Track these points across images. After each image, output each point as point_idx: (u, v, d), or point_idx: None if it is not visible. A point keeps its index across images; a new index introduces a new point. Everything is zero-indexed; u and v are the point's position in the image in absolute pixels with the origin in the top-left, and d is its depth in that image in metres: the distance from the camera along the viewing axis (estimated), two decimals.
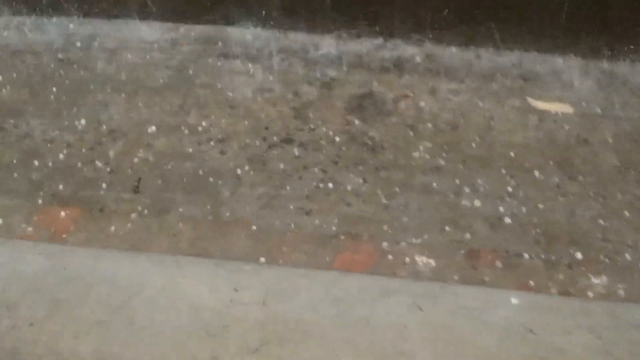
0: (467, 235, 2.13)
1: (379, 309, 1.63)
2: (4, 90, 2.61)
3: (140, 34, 2.84)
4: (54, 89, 2.61)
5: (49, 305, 1.70)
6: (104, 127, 2.47)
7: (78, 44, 2.81)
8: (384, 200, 2.24)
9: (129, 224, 2.10)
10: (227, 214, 2.17)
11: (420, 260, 2.00)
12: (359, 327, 1.61)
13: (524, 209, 2.21)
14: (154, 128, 2.47)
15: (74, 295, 1.66)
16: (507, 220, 2.18)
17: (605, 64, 2.69)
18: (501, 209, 2.21)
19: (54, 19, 2.90)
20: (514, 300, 1.67)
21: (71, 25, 2.89)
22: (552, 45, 2.70)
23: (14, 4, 2.88)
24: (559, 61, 2.70)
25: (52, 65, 2.71)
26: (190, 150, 2.39)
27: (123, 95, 2.59)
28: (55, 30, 2.88)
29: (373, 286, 1.67)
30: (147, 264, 1.75)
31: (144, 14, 2.85)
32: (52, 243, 1.90)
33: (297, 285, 1.69)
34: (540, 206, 2.23)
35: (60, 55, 2.76)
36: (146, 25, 2.85)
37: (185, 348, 1.59)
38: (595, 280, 1.95)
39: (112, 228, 2.09)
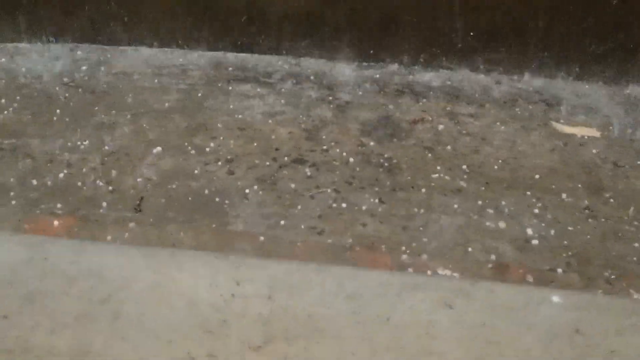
0: (493, 257, 1.97)
1: (402, 306, 1.46)
2: (5, 113, 2.50)
3: (149, 60, 2.76)
4: (58, 111, 2.50)
5: (25, 297, 1.53)
6: (107, 147, 2.35)
7: (84, 68, 2.73)
8: (402, 221, 2.09)
9: (127, 234, 1.96)
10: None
11: (444, 273, 1.84)
12: (378, 325, 1.42)
13: (552, 231, 2.05)
14: (159, 149, 2.35)
15: (53, 287, 1.49)
16: (535, 242, 2.02)
17: (630, 90, 2.59)
18: (528, 230, 2.05)
19: (62, 45, 2.84)
20: (555, 299, 1.50)
21: (79, 52, 2.81)
22: (575, 71, 2.61)
23: (21, 30, 2.83)
24: (583, 87, 2.60)
25: (57, 89, 2.62)
26: (197, 170, 2.27)
27: (129, 117, 2.48)
28: (62, 55, 2.80)
29: (395, 282, 1.50)
30: (138, 257, 1.59)
31: (154, 41, 2.78)
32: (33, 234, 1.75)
33: (308, 280, 1.52)
34: (570, 228, 2.07)
35: (65, 79, 2.67)
36: (156, 52, 2.78)
37: (178, 345, 1.41)
38: (637, 297, 1.78)
39: (108, 237, 1.95)
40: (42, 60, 2.79)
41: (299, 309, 1.45)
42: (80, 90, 2.63)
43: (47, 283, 1.53)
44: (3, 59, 2.78)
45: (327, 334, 1.41)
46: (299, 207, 2.14)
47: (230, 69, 2.72)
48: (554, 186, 2.22)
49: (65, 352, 1.42)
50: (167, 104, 2.55)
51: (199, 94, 2.60)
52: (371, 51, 2.68)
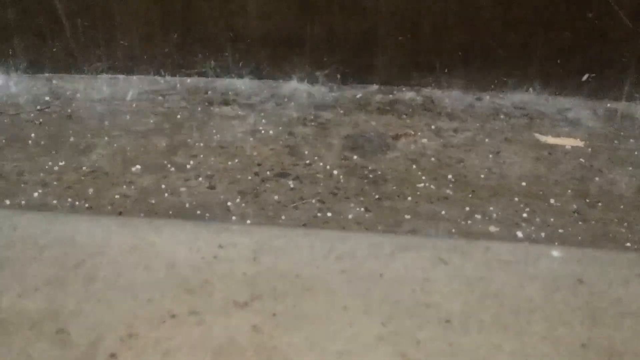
0: None
1: (395, 264, 1.38)
2: None
3: (126, 87, 2.72)
4: (32, 135, 2.44)
5: None
6: (84, 168, 2.29)
7: (60, 96, 2.68)
8: (389, 228, 2.03)
9: None
10: None
11: None
12: (371, 282, 1.35)
13: (543, 234, 2.01)
14: (138, 167, 2.29)
15: (22, 255, 1.40)
16: (527, 244, 1.99)
17: (610, 104, 2.60)
18: (519, 233, 2.02)
19: (37, 75, 2.80)
20: (556, 254, 1.44)
21: (54, 81, 2.76)
22: (555, 87, 2.62)
23: None
24: (564, 101, 2.60)
25: (32, 115, 2.57)
26: (177, 186, 2.21)
27: (106, 139, 2.43)
28: (37, 85, 2.75)
29: (386, 243, 1.43)
30: (113, 225, 1.51)
31: (131, 68, 2.76)
32: None
33: (296, 243, 1.44)
34: (560, 231, 2.03)
35: (40, 107, 2.63)
36: (133, 78, 2.74)
37: (158, 303, 1.32)
38: None
39: None
40: (17, 89, 2.74)
41: (286, 269, 1.38)
42: (55, 116, 2.58)
43: (16, 251, 1.44)
44: None
45: (316, 291, 1.34)
46: (283, 217, 2.08)
47: (209, 92, 2.69)
48: (541, 192, 2.19)
49: (35, 313, 1.33)
50: (145, 127, 2.50)
51: (178, 116, 2.55)
52: (352, 71, 2.67)
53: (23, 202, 2.14)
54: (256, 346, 1.26)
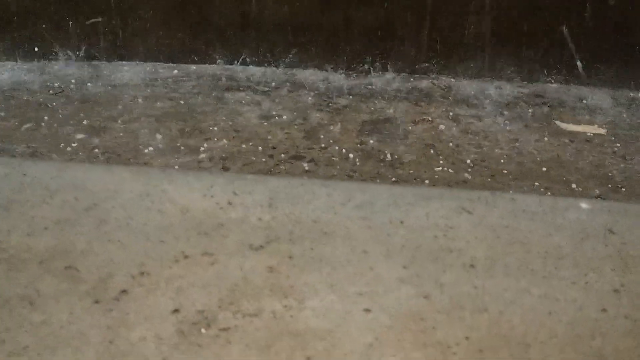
0: None
1: (416, 213, 1.33)
2: None
3: (141, 72, 2.70)
4: (46, 118, 2.42)
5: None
6: (97, 150, 2.26)
7: (75, 81, 2.66)
8: None
9: None
10: None
11: None
12: (392, 228, 1.30)
13: None
14: (151, 149, 2.26)
15: (32, 197, 1.37)
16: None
17: (633, 93, 2.55)
18: None
19: (52, 61, 2.78)
20: (584, 205, 1.39)
21: (70, 67, 2.73)
22: (574, 76, 2.58)
23: (10, 49, 2.78)
24: (585, 90, 2.56)
25: (44, 99, 2.55)
26: (190, 167, 2.18)
27: (119, 122, 2.41)
28: (52, 70, 2.74)
29: (407, 193, 1.38)
30: (125, 172, 1.47)
31: (147, 55, 2.73)
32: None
33: (313, 191, 1.40)
34: None
35: (54, 91, 2.62)
36: (148, 65, 2.72)
37: (170, 244, 1.28)
38: None
39: None
40: (33, 75, 2.72)
41: (303, 215, 1.34)
42: (69, 99, 2.56)
43: (26, 194, 1.41)
44: None
45: (335, 235, 1.29)
46: None
47: (224, 79, 2.67)
48: (563, 177, 2.14)
49: (44, 250, 1.29)
50: (159, 111, 2.47)
51: (192, 101, 2.53)
52: (367, 60, 2.65)
53: None
54: (272, 285, 1.22)
